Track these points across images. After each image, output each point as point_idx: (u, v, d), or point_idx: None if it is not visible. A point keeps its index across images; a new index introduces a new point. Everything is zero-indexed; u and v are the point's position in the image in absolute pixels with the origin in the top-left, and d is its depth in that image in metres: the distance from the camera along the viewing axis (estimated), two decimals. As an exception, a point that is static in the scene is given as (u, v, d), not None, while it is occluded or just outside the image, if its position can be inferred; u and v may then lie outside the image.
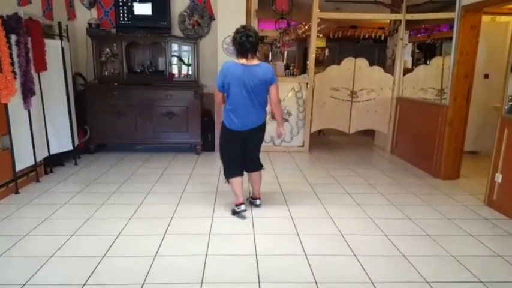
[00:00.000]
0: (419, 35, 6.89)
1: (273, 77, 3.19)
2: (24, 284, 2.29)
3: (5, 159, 3.74)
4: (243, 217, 3.34)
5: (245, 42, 3.05)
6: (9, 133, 3.74)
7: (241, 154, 3.38)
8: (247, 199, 3.70)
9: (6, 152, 3.75)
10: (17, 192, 3.85)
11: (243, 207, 3.33)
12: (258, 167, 3.56)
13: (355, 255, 2.73)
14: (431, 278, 2.44)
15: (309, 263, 2.61)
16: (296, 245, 2.88)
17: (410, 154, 5.49)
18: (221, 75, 3.14)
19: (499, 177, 3.65)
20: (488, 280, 2.44)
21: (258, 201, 3.61)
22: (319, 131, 7.07)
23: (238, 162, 3.39)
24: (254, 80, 3.10)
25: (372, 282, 2.39)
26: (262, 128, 3.36)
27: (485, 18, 4.86)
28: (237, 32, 3.10)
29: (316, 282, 2.38)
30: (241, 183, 3.42)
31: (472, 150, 5.80)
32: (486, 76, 5.70)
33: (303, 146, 6.09)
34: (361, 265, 2.60)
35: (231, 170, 3.39)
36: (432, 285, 2.36)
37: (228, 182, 3.44)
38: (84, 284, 2.30)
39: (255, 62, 3.14)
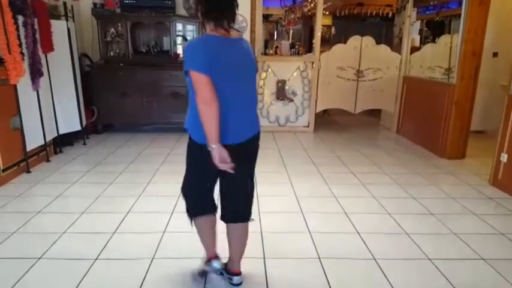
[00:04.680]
0: (427, 13, 6.76)
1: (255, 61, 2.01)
2: (39, 258, 2.39)
3: (16, 139, 3.81)
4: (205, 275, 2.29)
5: (226, 2, 1.80)
6: (19, 114, 3.80)
7: (213, 182, 2.07)
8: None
9: (17, 132, 3.82)
10: (28, 172, 3.94)
11: (216, 264, 2.22)
12: (246, 214, 2.10)
13: (358, 233, 2.79)
14: (433, 255, 2.50)
15: (312, 239, 2.68)
16: (300, 223, 2.94)
17: (416, 134, 5.48)
18: (204, 54, 1.74)
19: (504, 157, 3.66)
20: (490, 257, 2.49)
21: (235, 278, 2.17)
22: (325, 111, 7.07)
23: (206, 191, 2.06)
24: (245, 61, 1.90)
25: (374, 259, 2.45)
26: (259, 137, 2.03)
27: (495, -5, 4.75)
28: None
29: (319, 258, 2.45)
30: (215, 224, 2.19)
31: (479, 129, 5.78)
32: (495, 54, 5.62)
33: (308, 126, 6.10)
34: (364, 242, 2.66)
35: (200, 201, 2.11)
36: (434, 262, 2.42)
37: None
38: (97, 258, 2.39)
39: (235, 34, 1.86)
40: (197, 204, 2.10)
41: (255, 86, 2.00)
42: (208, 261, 2.23)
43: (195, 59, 1.74)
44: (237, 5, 1.84)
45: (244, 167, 1.99)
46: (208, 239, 2.19)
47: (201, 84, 1.73)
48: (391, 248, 2.61)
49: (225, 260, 2.25)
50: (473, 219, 3.07)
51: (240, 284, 2.17)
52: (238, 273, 2.17)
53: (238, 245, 2.13)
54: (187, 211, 2.12)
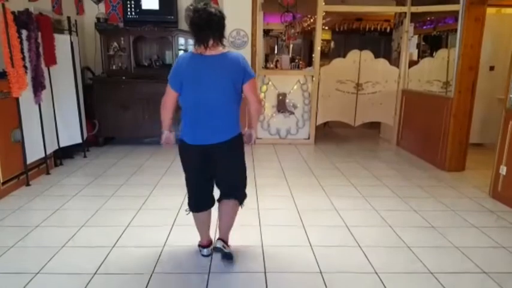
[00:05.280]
0: (424, 27, 6.85)
1: (247, 70, 2.27)
2: (37, 273, 2.36)
3: (16, 152, 3.82)
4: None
5: (205, 23, 2.13)
6: (20, 126, 3.82)
7: (207, 179, 2.44)
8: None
9: (18, 145, 3.83)
10: (28, 184, 3.94)
11: (206, 251, 2.59)
12: (237, 194, 2.49)
13: (359, 246, 2.78)
14: (435, 269, 2.48)
15: (314, 253, 2.66)
16: (301, 236, 2.93)
17: (416, 146, 5.50)
18: (173, 70, 2.29)
19: (503, 170, 3.67)
20: (491, 271, 2.47)
21: (218, 244, 2.50)
22: (325, 123, 7.09)
23: (202, 190, 2.46)
24: (217, 75, 2.20)
25: (376, 273, 2.43)
26: (236, 142, 2.37)
27: (491, 10, 4.84)
28: (195, 10, 2.14)
29: (321, 272, 2.43)
30: (207, 218, 2.56)
31: (478, 142, 5.79)
32: (491, 68, 5.68)
33: (308, 138, 6.12)
34: (365, 255, 2.64)
35: (192, 201, 2.49)
36: (435, 276, 2.40)
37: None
38: (95, 273, 2.37)
39: (219, 50, 2.23)
40: (196, 202, 2.47)
41: (224, 97, 2.25)
42: (201, 246, 2.62)
43: (170, 74, 2.30)
44: (218, 28, 2.18)
45: (226, 163, 2.40)
46: (202, 228, 2.57)
47: (166, 91, 2.32)
48: (393, 261, 2.59)
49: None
50: (474, 232, 3.06)
51: (229, 254, 2.48)
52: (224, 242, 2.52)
53: (226, 220, 2.53)
54: (189, 204, 2.50)
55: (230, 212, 2.50)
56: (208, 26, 2.14)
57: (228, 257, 2.47)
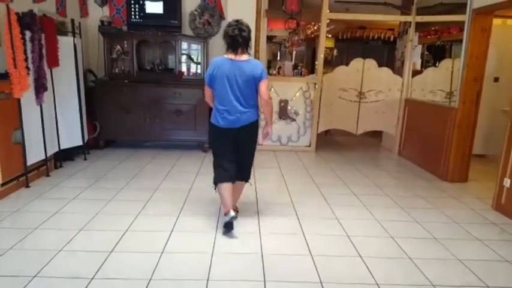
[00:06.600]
0: (428, 37, 6.85)
1: (263, 73, 2.97)
2: (34, 276, 2.34)
3: (16, 154, 3.80)
4: (230, 227, 3.00)
5: (237, 36, 2.86)
6: (21, 128, 3.80)
7: (232, 156, 3.08)
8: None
9: (18, 146, 3.81)
10: (27, 186, 3.91)
11: (232, 213, 2.98)
12: (246, 177, 3.23)
13: (360, 256, 2.74)
14: (436, 281, 2.45)
15: (314, 262, 2.63)
16: (302, 245, 2.89)
17: (418, 156, 5.47)
18: (210, 70, 2.98)
19: (507, 182, 3.63)
20: (494, 284, 2.44)
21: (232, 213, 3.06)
22: (326, 131, 7.07)
23: (227, 164, 3.07)
24: (242, 76, 2.90)
25: (377, 284, 2.40)
26: (253, 127, 3.08)
27: (496, 22, 4.84)
28: (229, 25, 2.93)
29: (321, 282, 2.39)
30: (230, 190, 3.07)
31: (481, 153, 5.77)
32: (496, 79, 5.67)
33: (309, 146, 6.10)
34: (367, 266, 2.61)
35: (219, 173, 3.09)
36: (437, 288, 2.37)
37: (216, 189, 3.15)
38: (93, 278, 2.34)
39: (245, 57, 2.95)
40: (223, 173, 3.05)
41: (246, 92, 2.96)
42: (226, 213, 2.99)
43: (206, 74, 3.04)
44: (246, 41, 2.91)
45: (243, 143, 3.09)
46: (228, 198, 3.03)
47: (204, 90, 3.14)
48: (394, 272, 2.56)
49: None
50: (477, 245, 3.02)
51: (232, 217, 2.97)
52: (235, 210, 3.18)
53: (238, 194, 3.33)
54: (215, 178, 3.10)
55: (241, 189, 3.33)
56: (238, 37, 2.86)
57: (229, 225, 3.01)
